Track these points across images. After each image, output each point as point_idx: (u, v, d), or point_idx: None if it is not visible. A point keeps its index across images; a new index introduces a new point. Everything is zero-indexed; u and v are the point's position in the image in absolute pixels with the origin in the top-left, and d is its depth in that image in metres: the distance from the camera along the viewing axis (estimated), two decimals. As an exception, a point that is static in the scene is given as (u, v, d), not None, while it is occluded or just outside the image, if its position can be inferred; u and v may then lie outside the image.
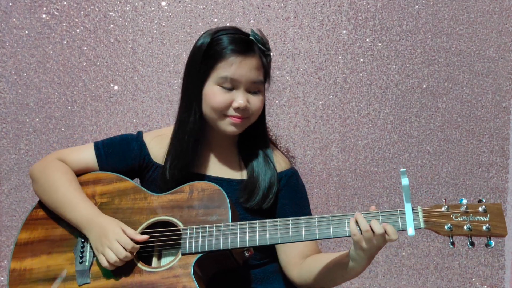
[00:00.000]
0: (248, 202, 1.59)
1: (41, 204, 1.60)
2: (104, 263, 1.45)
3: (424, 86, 2.19)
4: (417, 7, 2.18)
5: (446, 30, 2.19)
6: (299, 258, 1.58)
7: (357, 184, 2.17)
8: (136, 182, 1.61)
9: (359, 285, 2.19)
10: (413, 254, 2.19)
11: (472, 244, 1.34)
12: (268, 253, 1.64)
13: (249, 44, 1.55)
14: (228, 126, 1.56)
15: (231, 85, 1.53)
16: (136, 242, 1.46)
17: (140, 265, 1.47)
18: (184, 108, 1.60)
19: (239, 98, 1.53)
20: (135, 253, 1.47)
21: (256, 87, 1.56)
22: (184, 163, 1.60)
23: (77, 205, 1.52)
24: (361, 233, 1.36)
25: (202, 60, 1.55)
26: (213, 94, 1.54)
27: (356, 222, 1.39)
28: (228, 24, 2.12)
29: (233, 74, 1.52)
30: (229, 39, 1.54)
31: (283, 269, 1.62)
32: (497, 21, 2.20)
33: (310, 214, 1.67)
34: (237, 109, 1.54)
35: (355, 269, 1.43)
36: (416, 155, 2.19)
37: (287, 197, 1.65)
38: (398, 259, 2.19)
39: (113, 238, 1.45)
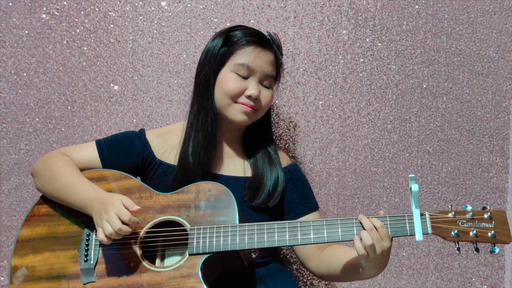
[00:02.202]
0: (253, 201, 1.60)
1: (43, 200, 1.59)
2: (101, 236, 1.44)
3: (424, 86, 2.19)
4: (417, 7, 2.18)
5: (446, 30, 2.19)
6: (317, 250, 1.60)
7: (357, 184, 2.17)
8: (140, 181, 1.60)
9: (359, 285, 2.19)
10: (413, 254, 2.18)
11: (477, 250, 1.37)
12: (270, 251, 1.64)
13: (266, 39, 1.61)
14: (238, 113, 1.58)
15: (247, 73, 1.58)
16: (132, 213, 1.45)
17: (146, 264, 1.47)
18: (203, 94, 1.62)
19: (252, 87, 1.57)
20: (132, 226, 1.46)
21: (268, 82, 1.61)
22: (210, 144, 1.61)
23: (79, 187, 1.52)
24: (366, 247, 1.37)
25: (220, 49, 1.59)
26: (229, 80, 1.58)
27: (362, 228, 1.40)
28: (228, 24, 2.12)
29: (251, 62, 1.57)
30: (247, 32, 1.62)
31: (302, 263, 1.65)
32: (497, 21, 2.20)
33: (317, 205, 1.70)
34: (249, 97, 1.57)
35: (366, 275, 1.45)
36: (416, 155, 2.19)
37: (295, 190, 1.67)
38: (398, 259, 2.19)
39: (112, 211, 1.44)
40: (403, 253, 2.18)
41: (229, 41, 1.60)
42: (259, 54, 1.59)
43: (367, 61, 2.18)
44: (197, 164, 1.58)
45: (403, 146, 2.19)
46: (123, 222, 1.42)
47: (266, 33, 1.65)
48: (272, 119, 2.15)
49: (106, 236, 1.43)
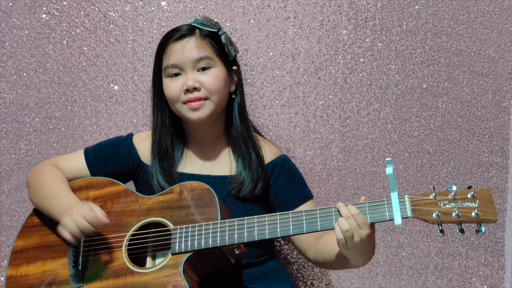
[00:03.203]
0: (239, 194, 1.60)
1: (36, 212, 1.62)
2: (66, 236, 1.45)
3: (424, 86, 2.19)
4: (417, 7, 2.18)
5: (446, 30, 2.19)
6: (313, 240, 1.59)
7: (357, 184, 2.17)
8: (127, 186, 1.61)
9: (359, 285, 2.19)
10: (413, 254, 2.18)
11: (462, 231, 1.32)
12: (266, 249, 1.64)
13: (185, 30, 1.58)
14: (189, 113, 1.57)
15: (176, 71, 1.56)
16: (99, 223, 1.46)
17: (131, 266, 1.49)
18: (152, 111, 1.64)
19: (186, 79, 1.55)
20: (93, 229, 1.46)
21: (204, 63, 1.56)
22: (167, 164, 1.61)
23: (57, 197, 1.53)
24: (342, 233, 1.36)
25: (154, 63, 1.60)
26: (166, 86, 1.58)
27: (340, 215, 1.39)
28: (228, 24, 2.12)
29: (171, 60, 1.56)
30: (167, 35, 1.59)
31: (302, 255, 1.64)
32: (497, 21, 2.20)
33: (310, 193, 1.68)
34: (187, 91, 1.55)
35: (353, 263, 1.44)
36: (416, 155, 2.19)
37: (286, 183, 1.65)
38: (398, 259, 2.19)
39: (77, 213, 1.44)
40: (403, 253, 2.18)
41: (157, 50, 1.61)
42: (174, 47, 1.56)
43: (367, 61, 2.18)
44: (161, 184, 1.58)
45: (403, 146, 2.19)
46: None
47: (193, 20, 1.62)
48: (272, 119, 2.15)
49: (71, 234, 1.43)
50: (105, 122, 2.14)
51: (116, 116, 2.14)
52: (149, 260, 1.53)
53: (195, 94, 1.54)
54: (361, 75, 2.18)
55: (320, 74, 2.17)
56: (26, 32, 2.12)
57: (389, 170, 1.35)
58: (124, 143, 1.66)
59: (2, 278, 2.13)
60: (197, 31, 1.58)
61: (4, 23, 2.12)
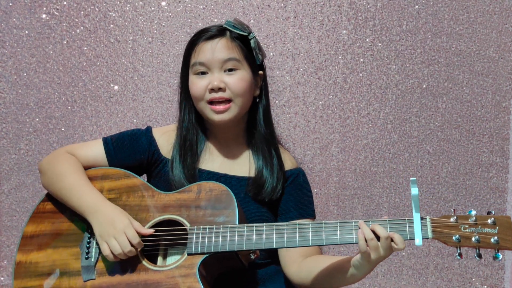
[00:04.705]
0: (257, 196, 1.60)
1: (48, 197, 1.60)
2: (106, 252, 1.44)
3: (424, 86, 2.19)
4: (417, 7, 2.18)
5: (446, 30, 2.19)
6: (299, 256, 1.58)
7: (357, 184, 2.17)
8: (144, 179, 1.61)
9: (359, 285, 2.19)
10: (413, 254, 2.19)
11: (479, 256, 1.33)
12: (271, 253, 1.64)
13: (216, 30, 1.59)
14: (212, 115, 1.58)
15: (204, 69, 1.56)
16: (142, 236, 1.46)
17: (145, 263, 1.47)
18: (179, 106, 1.64)
19: (211, 78, 1.55)
20: (139, 249, 1.47)
21: (231, 65, 1.57)
22: (189, 160, 1.61)
23: (83, 192, 1.52)
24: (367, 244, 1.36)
25: (183, 60, 1.61)
26: (192, 84, 1.59)
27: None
28: (228, 24, 2.12)
29: (200, 58, 1.57)
30: (199, 32, 1.60)
31: (282, 266, 1.62)
32: (497, 21, 2.20)
33: (313, 214, 1.67)
34: (212, 91, 1.55)
35: (356, 276, 1.42)
36: (416, 155, 2.19)
37: (291, 193, 1.65)
38: (398, 259, 2.19)
39: (121, 230, 1.44)
40: (403, 253, 2.18)
41: (186, 48, 1.62)
42: (204, 46, 1.57)
43: (367, 61, 2.18)
44: (180, 178, 1.58)
45: (403, 146, 2.19)
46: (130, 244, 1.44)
47: (224, 22, 1.64)
48: (272, 119, 2.15)
49: (113, 254, 1.43)
50: (105, 122, 2.14)
51: (116, 116, 2.14)
52: (159, 258, 1.52)
53: (220, 94, 1.56)
54: (361, 75, 2.18)
55: (320, 74, 2.17)
56: (26, 32, 2.12)
57: (414, 191, 1.34)
58: (144, 136, 1.66)
59: (2, 278, 2.13)
60: (228, 32, 1.60)
61: (4, 23, 2.12)
